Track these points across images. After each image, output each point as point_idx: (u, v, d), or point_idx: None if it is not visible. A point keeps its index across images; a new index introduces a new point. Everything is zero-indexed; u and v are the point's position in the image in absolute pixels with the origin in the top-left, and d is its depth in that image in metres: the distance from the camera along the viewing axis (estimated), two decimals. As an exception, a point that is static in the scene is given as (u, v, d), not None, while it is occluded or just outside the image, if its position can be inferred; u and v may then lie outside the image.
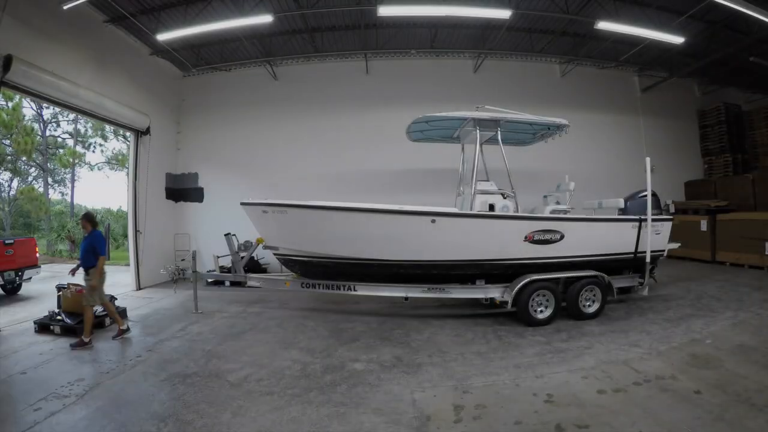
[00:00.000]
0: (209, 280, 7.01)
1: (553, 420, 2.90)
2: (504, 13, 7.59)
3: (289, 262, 6.06)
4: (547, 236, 5.49)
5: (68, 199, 22.31)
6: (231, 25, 7.63)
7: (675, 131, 11.56)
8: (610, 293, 5.63)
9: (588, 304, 5.50)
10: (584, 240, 5.69)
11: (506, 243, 5.45)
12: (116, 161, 21.14)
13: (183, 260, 9.51)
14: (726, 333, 4.60)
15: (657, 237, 5.96)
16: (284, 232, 5.74)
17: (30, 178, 20.83)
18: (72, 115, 18.98)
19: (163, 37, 7.77)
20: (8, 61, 5.63)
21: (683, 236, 10.05)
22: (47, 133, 20.20)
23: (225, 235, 6.53)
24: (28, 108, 18.28)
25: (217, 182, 10.35)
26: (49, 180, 21.28)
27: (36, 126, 19.08)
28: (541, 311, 5.29)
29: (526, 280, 5.23)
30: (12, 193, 19.74)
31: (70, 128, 20.88)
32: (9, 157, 18.21)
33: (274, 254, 6.18)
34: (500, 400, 3.26)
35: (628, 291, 6.20)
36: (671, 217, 6.33)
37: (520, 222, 5.51)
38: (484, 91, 10.36)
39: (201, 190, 10.39)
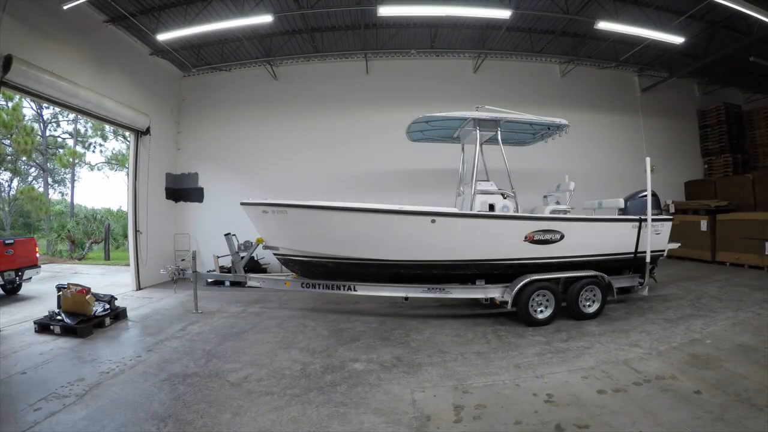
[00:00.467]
0: (209, 280, 7.01)
1: (553, 420, 2.90)
2: (504, 13, 7.58)
3: (289, 262, 6.05)
4: (547, 236, 5.49)
5: (68, 199, 22.34)
6: (231, 25, 7.63)
7: (675, 131, 11.56)
8: (610, 293, 5.63)
9: (588, 304, 5.50)
10: (584, 240, 5.69)
11: (506, 243, 5.44)
12: (116, 161, 21.15)
13: (183, 260, 9.52)
14: (726, 333, 4.60)
15: (657, 237, 5.96)
16: (284, 232, 5.73)
17: (30, 178, 20.86)
18: (72, 115, 19.00)
19: (163, 37, 7.77)
20: (8, 61, 5.63)
21: (683, 236, 10.06)
22: (47, 133, 20.23)
23: (225, 235, 6.54)
24: (28, 108, 18.31)
25: (217, 182, 10.35)
26: (49, 180, 21.31)
27: (36, 126, 19.09)
28: (541, 311, 5.29)
29: (526, 280, 5.23)
30: (12, 193, 19.76)
31: (70, 128, 20.91)
32: (9, 157, 18.22)
33: (274, 254, 6.17)
34: (500, 400, 3.26)
35: (628, 291, 6.20)
36: (671, 217, 6.31)
37: (521, 222, 5.50)
38: (484, 91, 10.37)
39: (201, 190, 10.39)
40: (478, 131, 5.90)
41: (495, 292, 5.47)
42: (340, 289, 5.66)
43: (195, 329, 5.52)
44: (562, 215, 5.82)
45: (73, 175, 21.91)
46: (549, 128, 6.52)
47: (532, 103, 10.45)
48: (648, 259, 5.73)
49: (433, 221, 5.22)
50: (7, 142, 17.31)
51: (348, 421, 3.02)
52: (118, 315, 5.97)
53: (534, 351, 4.34)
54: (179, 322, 5.90)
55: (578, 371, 3.75)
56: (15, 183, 20.12)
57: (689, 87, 11.99)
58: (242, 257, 6.43)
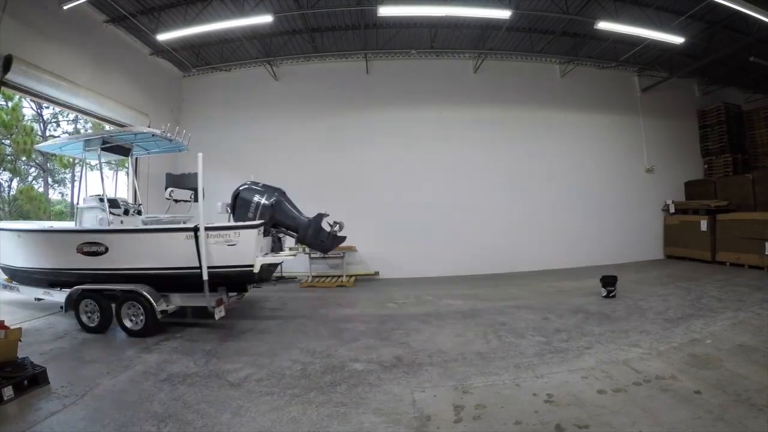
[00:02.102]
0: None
1: (553, 420, 2.90)
2: (504, 13, 7.58)
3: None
4: (94, 248, 5.50)
5: (68, 199, 22.33)
6: (231, 25, 7.65)
7: (675, 131, 11.55)
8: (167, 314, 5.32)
9: (133, 320, 5.21)
10: (131, 252, 5.44)
11: (62, 254, 5.69)
12: (115, 161, 21.11)
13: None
14: (726, 333, 4.60)
15: (231, 249, 5.14)
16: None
17: (30, 178, 20.84)
18: (72, 115, 18.98)
19: (163, 37, 7.77)
20: (8, 61, 5.64)
21: (683, 236, 10.09)
22: (47, 133, 20.20)
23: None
24: (28, 108, 18.30)
25: (217, 182, 10.32)
26: (49, 180, 21.29)
27: (36, 126, 19.08)
28: (90, 318, 5.41)
29: (73, 289, 5.44)
30: (12, 193, 19.74)
31: (70, 128, 20.88)
32: (9, 157, 18.21)
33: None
34: (500, 400, 3.26)
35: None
36: (256, 223, 5.42)
37: (72, 235, 5.77)
38: (484, 91, 10.39)
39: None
40: (84, 152, 6.24)
41: (60, 296, 5.64)
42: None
43: (195, 329, 5.51)
44: (104, 227, 5.73)
45: (73, 175, 21.90)
46: (168, 139, 6.60)
47: (532, 103, 10.50)
48: (205, 276, 4.97)
49: (19, 236, 6.07)
50: (7, 142, 17.31)
51: (348, 421, 3.02)
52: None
53: (534, 351, 4.34)
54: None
55: (578, 371, 3.75)
56: (15, 183, 20.11)
57: (689, 87, 11.97)
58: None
